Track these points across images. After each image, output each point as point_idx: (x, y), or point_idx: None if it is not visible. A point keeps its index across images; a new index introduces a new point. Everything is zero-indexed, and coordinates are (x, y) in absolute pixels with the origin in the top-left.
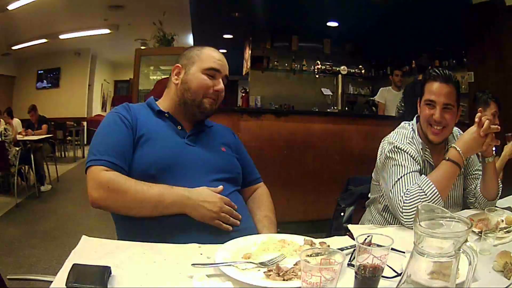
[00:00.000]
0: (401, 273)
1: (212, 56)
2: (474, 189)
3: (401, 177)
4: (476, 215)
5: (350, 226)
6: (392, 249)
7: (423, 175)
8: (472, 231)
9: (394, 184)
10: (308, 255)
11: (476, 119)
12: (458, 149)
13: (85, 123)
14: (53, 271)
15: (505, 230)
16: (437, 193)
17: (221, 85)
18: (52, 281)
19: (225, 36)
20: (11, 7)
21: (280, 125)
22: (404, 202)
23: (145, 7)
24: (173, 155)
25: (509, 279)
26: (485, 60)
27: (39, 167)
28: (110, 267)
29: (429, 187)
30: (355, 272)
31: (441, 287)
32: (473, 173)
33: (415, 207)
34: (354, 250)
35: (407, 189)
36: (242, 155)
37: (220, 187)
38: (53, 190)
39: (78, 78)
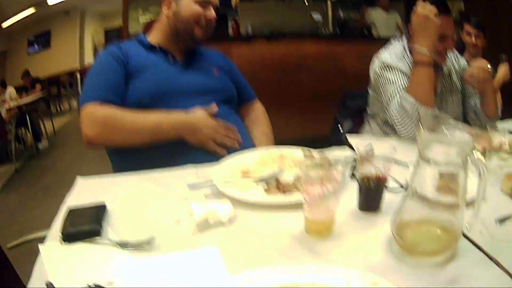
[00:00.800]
0: (406, 186)
1: None
2: (474, 106)
3: (394, 94)
4: (477, 134)
5: (349, 137)
6: (395, 159)
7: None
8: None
9: (388, 101)
10: (308, 167)
11: (418, 4)
12: (416, 49)
13: (78, 74)
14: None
15: (510, 153)
16: (417, 105)
17: (212, 13)
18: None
19: None
20: None
21: (273, 49)
22: (396, 121)
23: None
24: (165, 83)
25: None
26: None
27: (35, 126)
28: (105, 204)
29: (408, 101)
30: (358, 184)
31: (449, 202)
32: (472, 89)
33: (405, 122)
34: (355, 161)
35: (396, 109)
36: (235, 75)
37: (213, 104)
38: (50, 145)
39: (68, 35)
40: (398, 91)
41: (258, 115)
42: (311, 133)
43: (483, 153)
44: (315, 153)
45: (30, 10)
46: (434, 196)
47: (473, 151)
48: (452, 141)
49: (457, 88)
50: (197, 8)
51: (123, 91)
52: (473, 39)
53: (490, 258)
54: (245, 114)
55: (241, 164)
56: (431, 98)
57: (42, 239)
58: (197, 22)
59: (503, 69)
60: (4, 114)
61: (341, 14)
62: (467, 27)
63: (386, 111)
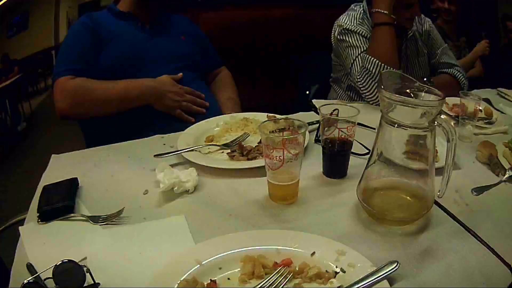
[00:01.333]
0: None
1: None
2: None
3: (356, 58)
4: (450, 99)
5: (314, 101)
6: (360, 124)
7: (363, 53)
8: (448, 114)
9: (351, 66)
10: (270, 131)
11: None
12: (374, 10)
13: (53, 52)
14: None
15: (485, 121)
16: (381, 64)
17: None
18: None
19: None
20: None
21: (240, 15)
22: (359, 85)
23: None
24: (134, 51)
25: (497, 175)
26: None
27: (12, 109)
28: (77, 179)
29: (370, 62)
30: (322, 147)
31: (418, 167)
32: (435, 54)
33: (370, 85)
34: (320, 125)
35: (360, 71)
36: (201, 42)
37: (180, 74)
38: (28, 126)
39: (45, 15)
40: (359, 55)
41: (224, 81)
42: (280, 100)
43: (456, 117)
44: (279, 117)
45: None
46: (401, 161)
47: (441, 114)
48: (418, 102)
49: (423, 51)
50: None
51: (92, 58)
52: (446, 4)
53: (467, 229)
54: (211, 80)
55: (206, 131)
56: (394, 57)
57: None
58: None
59: (482, 44)
60: None
61: None
62: None
63: (350, 76)
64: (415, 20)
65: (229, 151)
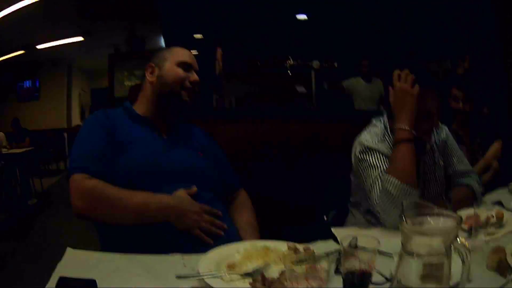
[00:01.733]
0: (390, 278)
1: (184, 51)
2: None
3: (375, 178)
4: (464, 212)
5: (333, 229)
6: (379, 251)
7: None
8: (461, 228)
9: (370, 187)
10: (292, 262)
11: (395, 76)
12: (397, 126)
13: (66, 135)
14: (43, 285)
15: (496, 227)
16: (401, 185)
17: (196, 76)
18: None
19: (196, 35)
20: None
21: (257, 128)
22: (379, 208)
23: (115, 12)
24: (151, 160)
25: (505, 277)
26: None
27: (24, 181)
28: (95, 281)
29: (391, 183)
30: (343, 279)
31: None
32: (452, 164)
33: (389, 209)
34: (339, 256)
35: (379, 194)
36: (219, 160)
37: (194, 188)
38: (39, 203)
39: (56, 89)
40: (380, 176)
41: (243, 204)
42: (296, 223)
43: (470, 231)
44: (300, 247)
45: (19, 52)
46: (418, 285)
47: (457, 238)
48: (435, 231)
49: (439, 163)
50: (181, 71)
51: (108, 161)
52: (461, 104)
53: None
54: (229, 202)
55: (227, 257)
56: (413, 177)
57: None
58: (181, 85)
59: (495, 147)
60: None
61: (325, 85)
62: (454, 91)
63: (368, 199)
64: (433, 131)
65: (251, 280)
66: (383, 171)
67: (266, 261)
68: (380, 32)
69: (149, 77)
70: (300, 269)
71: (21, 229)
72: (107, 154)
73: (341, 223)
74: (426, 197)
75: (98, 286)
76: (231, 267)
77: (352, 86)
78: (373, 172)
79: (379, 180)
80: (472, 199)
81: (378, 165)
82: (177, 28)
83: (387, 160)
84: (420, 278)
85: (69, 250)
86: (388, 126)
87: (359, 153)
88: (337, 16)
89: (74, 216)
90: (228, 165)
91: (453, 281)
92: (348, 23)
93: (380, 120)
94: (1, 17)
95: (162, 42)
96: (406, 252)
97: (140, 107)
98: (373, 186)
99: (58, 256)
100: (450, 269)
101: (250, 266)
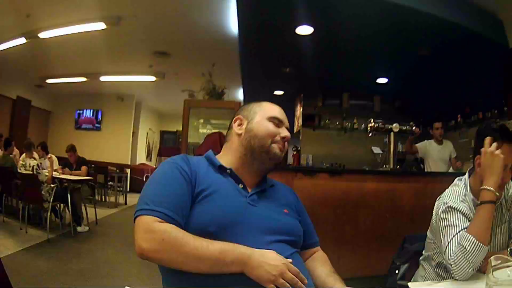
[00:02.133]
0: None
1: (274, 107)
2: None
3: (453, 236)
4: None
5: (411, 284)
6: None
7: (463, 231)
8: None
9: (447, 245)
10: None
11: (487, 141)
12: (483, 187)
13: (128, 171)
14: None
15: None
16: (478, 243)
17: (287, 133)
18: None
19: (276, 92)
20: (42, 35)
21: (333, 184)
22: (452, 263)
23: (192, 56)
24: (234, 214)
25: None
26: None
27: (75, 207)
28: None
29: (468, 241)
30: None
31: None
32: None
33: (462, 263)
34: None
35: (456, 252)
36: (303, 217)
37: (290, 260)
38: (90, 232)
39: (121, 123)
40: (457, 234)
41: (322, 257)
42: (365, 272)
43: None
44: None
45: (81, 79)
46: None
47: None
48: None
49: (505, 218)
50: (272, 126)
51: (187, 212)
52: None
53: None
54: (306, 258)
55: None
56: (489, 234)
57: None
58: (273, 140)
59: None
60: (43, 178)
61: (400, 147)
62: None
63: (443, 254)
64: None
65: None
66: (460, 230)
67: None
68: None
69: (236, 129)
70: None
71: (66, 250)
72: (185, 204)
73: (410, 275)
74: (491, 249)
75: None
76: None
77: (425, 148)
78: (452, 230)
79: (457, 237)
80: None
81: (458, 224)
82: (258, 83)
83: (465, 220)
84: None
85: None
86: (468, 185)
87: (442, 212)
88: (411, 80)
89: (138, 256)
90: (309, 223)
91: None
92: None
93: (461, 180)
94: (65, 36)
95: (241, 95)
96: None
97: (225, 159)
98: (450, 243)
99: (103, 284)
100: None
101: None
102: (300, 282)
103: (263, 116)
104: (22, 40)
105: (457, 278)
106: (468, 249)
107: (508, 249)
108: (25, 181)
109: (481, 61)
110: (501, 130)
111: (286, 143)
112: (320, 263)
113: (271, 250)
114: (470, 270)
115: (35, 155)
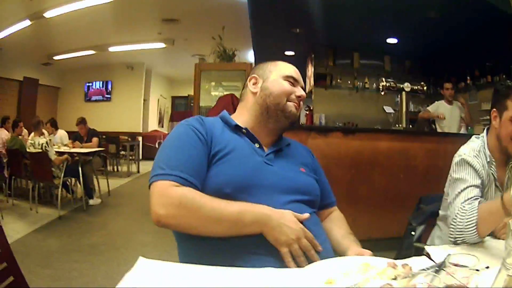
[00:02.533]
0: None
1: (289, 66)
2: None
3: (461, 191)
4: None
5: (427, 248)
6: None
7: (478, 202)
8: None
9: (454, 198)
10: (392, 278)
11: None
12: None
13: (140, 138)
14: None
15: None
16: (474, 233)
17: (302, 92)
18: None
19: (287, 53)
20: (48, 14)
21: (347, 143)
22: (453, 220)
23: (201, 21)
24: (251, 174)
25: None
26: None
27: (87, 180)
28: None
29: (471, 221)
30: None
31: None
32: None
33: (458, 227)
34: (436, 271)
35: (460, 208)
36: (320, 177)
37: (306, 214)
38: (102, 205)
39: (131, 92)
40: (464, 193)
41: (340, 219)
42: (379, 233)
43: None
44: (398, 263)
45: (89, 52)
46: None
47: None
48: None
49: None
50: (287, 84)
51: (204, 174)
52: None
53: None
54: (323, 218)
55: (326, 273)
56: (484, 233)
57: None
58: (288, 98)
59: None
60: (52, 157)
61: (412, 106)
62: None
63: (450, 206)
64: None
65: None
66: (469, 186)
67: (366, 278)
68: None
69: (252, 88)
70: (400, 283)
71: (78, 225)
72: (201, 166)
73: (426, 237)
74: None
75: None
76: (329, 282)
77: (437, 109)
78: (461, 184)
79: (463, 196)
80: None
81: (467, 179)
82: (268, 44)
83: (475, 177)
84: None
85: (141, 260)
86: (486, 142)
87: (455, 163)
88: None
89: (154, 223)
90: (327, 183)
91: None
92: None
93: (478, 137)
94: (71, 13)
95: (251, 56)
96: (506, 267)
97: (240, 118)
98: (458, 197)
99: (117, 257)
100: None
101: (349, 282)
102: (313, 250)
103: (279, 75)
104: (27, 23)
105: (450, 239)
106: (464, 228)
107: None
108: (34, 159)
109: (487, 27)
110: None
111: (301, 102)
112: (336, 224)
113: (288, 210)
114: (462, 238)
115: (45, 132)
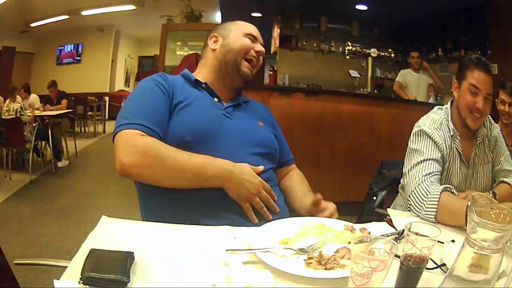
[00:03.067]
0: (441, 264)
1: (249, 25)
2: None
3: (418, 163)
4: None
5: (390, 211)
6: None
7: (446, 189)
8: None
9: (409, 169)
10: (349, 242)
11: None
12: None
13: (107, 98)
14: (67, 251)
15: None
16: (432, 218)
17: (261, 47)
18: (65, 267)
19: (254, 14)
20: None
21: (310, 105)
22: (411, 194)
23: None
24: (210, 124)
25: None
26: (509, 52)
27: (56, 142)
28: (133, 253)
29: (431, 206)
30: (401, 263)
31: (480, 279)
32: (499, 162)
33: (416, 205)
34: (396, 239)
35: (418, 183)
36: (278, 134)
37: (261, 167)
38: (70, 166)
39: (100, 54)
40: (422, 166)
41: (299, 174)
42: (342, 197)
43: None
44: (356, 227)
45: (63, 17)
46: (466, 275)
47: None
48: (505, 228)
49: (488, 158)
50: (247, 40)
51: (166, 124)
52: (506, 107)
53: None
54: (282, 177)
55: (280, 232)
56: (444, 222)
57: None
58: (246, 55)
59: None
60: (27, 119)
61: (378, 73)
62: (502, 95)
63: (405, 176)
64: (486, 125)
65: (305, 257)
66: (426, 158)
67: (322, 239)
68: None
69: (211, 45)
70: (361, 248)
71: (47, 189)
72: (164, 116)
73: (388, 203)
74: (473, 189)
75: (136, 260)
76: (284, 242)
77: (404, 77)
78: (418, 156)
79: (422, 168)
80: None
81: (425, 151)
82: (236, 5)
83: (435, 149)
84: (468, 266)
85: (104, 219)
86: (450, 115)
87: (413, 134)
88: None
89: (118, 172)
90: (285, 141)
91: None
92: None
93: (441, 109)
94: None
95: (219, 17)
96: (469, 243)
97: (200, 74)
98: (414, 169)
99: (84, 219)
100: (500, 263)
101: (304, 243)
102: (272, 201)
103: (239, 32)
104: None
105: (416, 213)
106: (423, 210)
107: (491, 192)
108: (9, 125)
109: (465, 1)
110: (478, 59)
111: (260, 58)
112: (297, 182)
113: (246, 163)
114: (420, 216)
115: (18, 98)
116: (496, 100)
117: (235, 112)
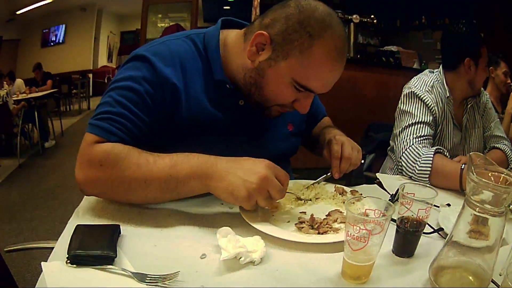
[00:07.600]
0: (438, 228)
1: (324, 74)
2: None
3: (408, 125)
4: None
5: (379, 176)
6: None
7: (438, 151)
8: None
9: (401, 131)
10: (351, 207)
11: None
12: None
13: (91, 75)
14: (57, 232)
15: None
16: (426, 179)
17: (305, 108)
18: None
19: None
20: None
21: None
22: (402, 156)
23: None
24: (222, 128)
25: None
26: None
27: (43, 123)
28: (119, 226)
29: (424, 168)
30: (397, 226)
31: (483, 246)
32: (489, 127)
33: (408, 166)
34: (390, 201)
35: (409, 145)
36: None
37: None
38: (57, 145)
39: (84, 33)
40: (413, 128)
41: (327, 122)
42: (326, 163)
43: None
44: (347, 189)
45: (48, 0)
46: (466, 241)
47: None
48: (507, 190)
49: (479, 123)
50: (288, 91)
51: (145, 135)
52: (508, 79)
53: None
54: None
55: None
56: (437, 184)
57: (44, 250)
58: (278, 104)
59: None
60: (11, 107)
61: (361, 39)
62: (504, 66)
63: (395, 139)
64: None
65: (296, 221)
66: (417, 121)
67: (313, 203)
68: None
69: (251, 48)
70: (354, 210)
71: (36, 171)
72: (142, 126)
73: (377, 166)
74: (466, 152)
75: (123, 233)
76: (276, 208)
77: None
78: (409, 118)
79: (412, 131)
80: (506, 163)
81: (416, 114)
82: None
83: (426, 111)
84: (467, 232)
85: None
86: (443, 78)
87: (404, 95)
88: None
89: (80, 190)
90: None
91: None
92: None
93: (433, 72)
94: None
95: None
96: (469, 205)
97: (228, 66)
98: (404, 132)
99: (72, 198)
100: (502, 230)
101: (296, 208)
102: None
103: (293, 74)
104: None
105: (409, 175)
106: (416, 172)
107: None
108: None
109: None
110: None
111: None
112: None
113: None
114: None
115: (5, 85)
116: (491, 68)
117: (259, 110)
